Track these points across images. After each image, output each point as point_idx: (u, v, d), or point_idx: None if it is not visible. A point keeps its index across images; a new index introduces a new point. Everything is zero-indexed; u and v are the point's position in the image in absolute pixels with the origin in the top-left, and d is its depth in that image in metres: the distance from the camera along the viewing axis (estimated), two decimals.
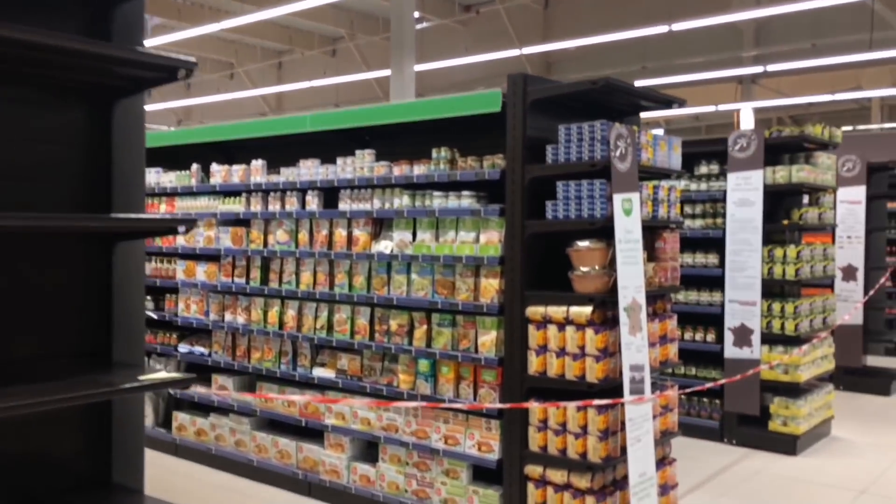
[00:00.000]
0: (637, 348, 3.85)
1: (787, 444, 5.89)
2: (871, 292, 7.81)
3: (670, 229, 4.37)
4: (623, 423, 3.82)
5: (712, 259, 6.35)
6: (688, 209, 6.49)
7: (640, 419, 3.85)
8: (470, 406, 4.24)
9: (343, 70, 18.69)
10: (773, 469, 5.54)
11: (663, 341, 4.27)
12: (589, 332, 3.85)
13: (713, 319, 6.32)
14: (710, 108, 17.22)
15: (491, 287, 4.19)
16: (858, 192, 8.09)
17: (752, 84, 16.27)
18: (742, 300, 6.12)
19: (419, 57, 13.40)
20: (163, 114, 24.79)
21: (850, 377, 8.11)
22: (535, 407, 4.00)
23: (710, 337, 6.33)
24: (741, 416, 6.14)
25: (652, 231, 4.31)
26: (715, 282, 6.32)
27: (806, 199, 6.64)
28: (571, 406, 3.85)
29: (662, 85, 15.95)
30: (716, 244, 6.32)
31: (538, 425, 4.01)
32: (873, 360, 8.92)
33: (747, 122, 15.91)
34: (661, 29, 10.10)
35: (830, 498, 4.98)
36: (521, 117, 4.06)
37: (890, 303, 9.04)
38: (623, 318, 3.79)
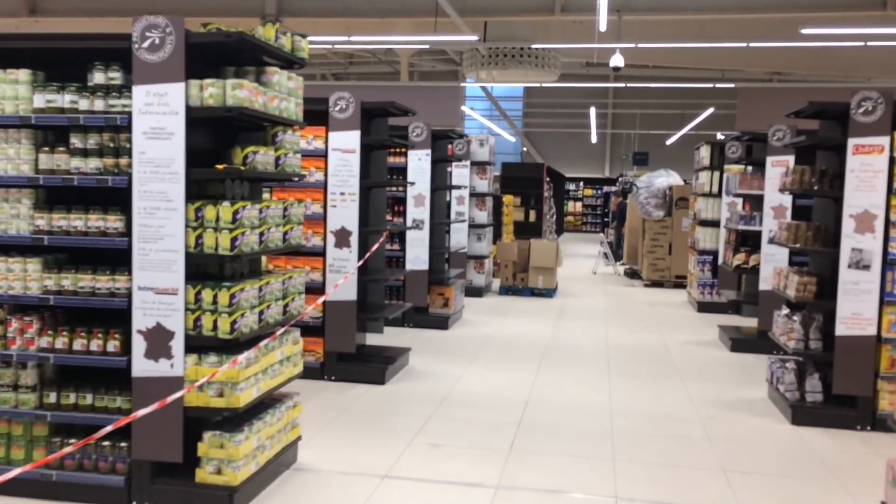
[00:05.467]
0: None
1: (221, 501, 3.91)
2: (361, 261, 6.37)
3: None
4: None
5: (115, 223, 4.02)
6: (76, 141, 4.03)
7: None
8: None
9: None
10: None
11: None
12: None
13: (119, 317, 4.03)
14: None
15: None
16: (353, 139, 6.58)
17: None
18: (159, 287, 3.93)
19: None
20: None
21: (345, 366, 6.66)
22: None
23: (114, 345, 4.02)
24: (160, 464, 4.00)
25: None
26: (121, 258, 4.02)
27: None
28: None
29: (178, 9, 13.24)
30: (121, 199, 4.02)
31: None
32: (373, 339, 7.69)
33: None
34: None
35: None
36: None
37: (392, 271, 7.89)
38: None
